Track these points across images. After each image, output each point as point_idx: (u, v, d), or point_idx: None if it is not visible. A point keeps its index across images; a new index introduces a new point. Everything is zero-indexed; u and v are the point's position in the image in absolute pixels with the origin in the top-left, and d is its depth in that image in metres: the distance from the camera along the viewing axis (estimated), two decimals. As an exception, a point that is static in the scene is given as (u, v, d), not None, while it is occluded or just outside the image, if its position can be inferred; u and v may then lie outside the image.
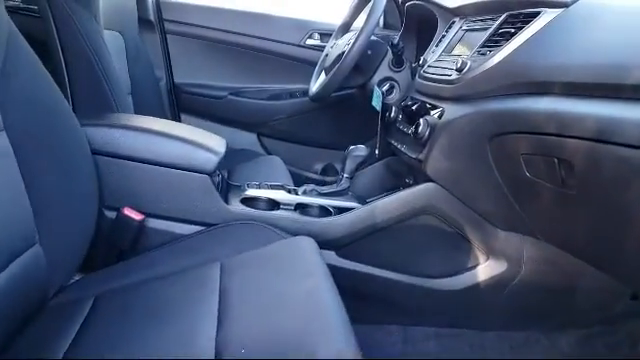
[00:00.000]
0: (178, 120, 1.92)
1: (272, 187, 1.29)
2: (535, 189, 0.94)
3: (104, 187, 1.05)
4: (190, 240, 1.06)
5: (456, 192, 1.12)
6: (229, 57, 1.94)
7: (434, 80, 1.19)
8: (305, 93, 1.87)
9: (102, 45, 1.24)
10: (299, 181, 1.93)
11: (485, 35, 1.09)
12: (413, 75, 1.48)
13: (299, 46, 1.96)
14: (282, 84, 1.98)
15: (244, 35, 1.93)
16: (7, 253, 0.72)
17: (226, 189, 1.24)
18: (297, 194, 1.28)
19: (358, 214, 1.16)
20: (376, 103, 1.43)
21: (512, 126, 0.94)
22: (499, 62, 0.98)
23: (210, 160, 1.09)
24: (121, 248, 1.03)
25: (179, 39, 1.89)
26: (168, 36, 1.85)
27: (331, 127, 2.00)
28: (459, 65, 1.05)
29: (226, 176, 1.64)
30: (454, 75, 1.08)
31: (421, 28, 1.70)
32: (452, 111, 1.07)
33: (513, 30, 1.01)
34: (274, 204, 1.22)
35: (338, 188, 1.30)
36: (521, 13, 1.03)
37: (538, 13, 0.97)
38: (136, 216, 1.03)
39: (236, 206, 1.15)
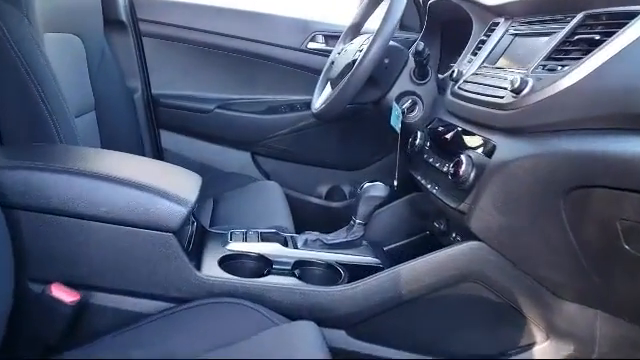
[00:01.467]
0: (157, 138, 1.63)
1: (263, 237, 1.00)
2: (634, 265, 0.66)
3: (26, 253, 0.76)
4: (148, 327, 0.77)
5: (510, 255, 0.83)
6: (217, 63, 1.64)
7: (476, 102, 0.89)
8: (307, 105, 1.57)
9: (38, 54, 0.95)
10: (300, 208, 1.67)
11: (552, 43, 0.79)
12: (441, 90, 1.18)
13: (300, 50, 1.66)
14: (280, 95, 1.69)
15: (235, 37, 1.63)
16: None
17: (201, 243, 0.95)
18: (296, 246, 1.00)
19: (377, 282, 0.86)
20: (395, 123, 1.14)
21: (605, 177, 0.65)
22: (580, 82, 0.69)
23: (175, 213, 0.80)
24: (47, 342, 0.74)
25: (157, 42, 1.59)
26: (144, 39, 1.55)
27: (338, 144, 1.71)
28: (516, 84, 0.76)
29: (210, 209, 1.37)
30: (508, 97, 0.79)
31: (447, 30, 1.41)
32: (508, 148, 0.78)
33: (597, 37, 0.72)
34: (265, 263, 0.93)
35: (349, 237, 1.01)
36: (607, 13, 0.73)
37: (637, 13, 0.68)
38: (68, 297, 0.74)
39: (213, 271, 0.86)
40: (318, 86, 1.39)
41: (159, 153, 1.64)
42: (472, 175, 0.81)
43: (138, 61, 1.56)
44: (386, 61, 1.19)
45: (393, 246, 1.12)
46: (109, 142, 1.35)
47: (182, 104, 1.63)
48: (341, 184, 1.73)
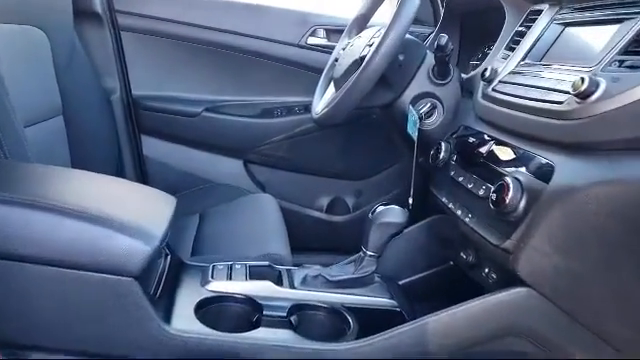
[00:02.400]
0: (138, 145, 1.44)
1: (252, 272, 0.81)
2: None
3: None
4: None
5: (568, 305, 0.65)
6: (205, 61, 1.46)
7: (520, 107, 0.71)
8: (306, 108, 1.40)
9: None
10: (298, 223, 1.49)
11: (627, 32, 0.61)
12: (465, 92, 1.00)
13: (298, 46, 1.48)
14: (276, 96, 1.50)
15: (226, 32, 1.44)
16: None
17: (175, 281, 0.76)
18: (292, 284, 0.81)
19: (399, 338, 0.68)
20: (412, 130, 0.96)
21: None
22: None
23: (136, 253, 0.61)
24: None
25: (137, 37, 1.40)
26: (122, 33, 1.36)
27: (340, 152, 1.52)
28: (582, 86, 0.57)
29: (195, 230, 1.19)
30: (570, 102, 0.60)
31: (467, 23, 1.23)
32: (572, 170, 0.60)
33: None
34: (254, 308, 0.75)
35: (358, 273, 0.83)
36: None
37: None
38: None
39: (187, 324, 0.67)
40: (319, 87, 1.21)
41: (140, 162, 1.45)
42: (522, 204, 0.62)
43: (116, 58, 1.37)
44: (401, 58, 1.00)
45: (410, 280, 0.94)
46: (79, 151, 1.16)
47: (166, 107, 1.44)
48: (344, 195, 1.54)
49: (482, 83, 0.86)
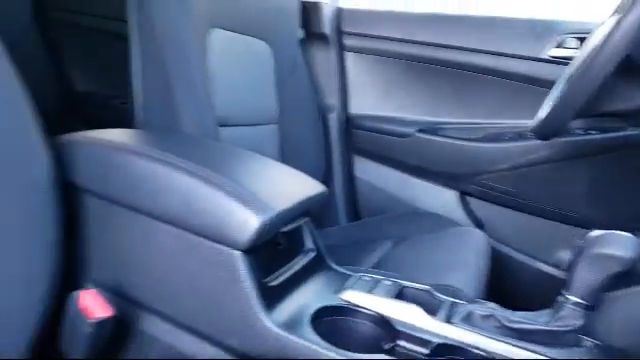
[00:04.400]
0: (349, 164, 1.42)
1: (404, 293, 0.64)
2: None
3: (77, 247, 0.61)
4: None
5: None
6: (425, 80, 1.35)
7: None
8: (542, 133, 1.14)
9: (184, 42, 0.86)
10: (511, 272, 1.20)
11: None
12: None
13: (538, 60, 1.24)
14: (504, 118, 1.28)
15: (451, 48, 1.32)
16: None
17: (303, 278, 0.65)
18: (449, 319, 0.60)
19: None
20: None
21: None
22: None
23: (247, 223, 0.53)
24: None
25: (357, 57, 1.40)
26: (345, 53, 1.39)
27: (589, 190, 1.19)
28: None
29: (380, 253, 1.06)
30: None
31: None
32: None
33: None
34: (387, 332, 0.57)
35: (554, 325, 0.56)
36: None
37: None
38: (99, 312, 0.54)
39: (294, 327, 0.55)
40: (551, 92, 0.96)
41: (350, 181, 1.43)
42: None
43: (337, 78, 1.40)
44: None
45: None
46: (289, 160, 1.20)
47: (378, 126, 1.38)
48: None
49: None
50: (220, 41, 1.01)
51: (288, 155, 1.21)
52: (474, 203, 1.33)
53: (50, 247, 0.57)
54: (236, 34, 1.06)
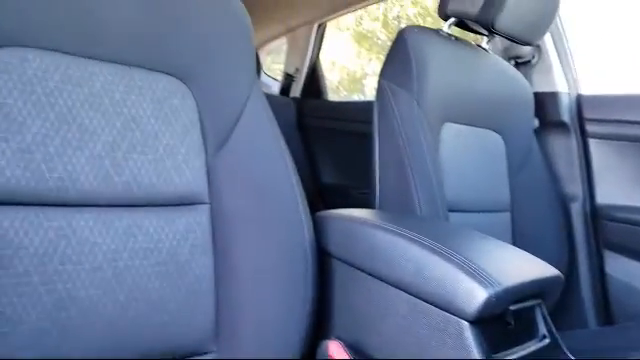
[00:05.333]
0: (600, 259, 1.26)
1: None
2: None
3: (328, 303, 0.72)
4: None
5: None
6: None
7: None
8: None
9: (420, 136, 0.96)
10: None
11: None
12: None
13: None
14: None
15: None
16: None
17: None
18: None
19: None
20: None
21: None
22: None
23: (475, 293, 0.56)
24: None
25: (601, 143, 1.30)
26: (589, 140, 1.30)
27: None
28: None
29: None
30: None
31: None
32: None
33: None
34: None
35: None
36: None
37: None
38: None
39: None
40: None
41: (601, 278, 1.27)
42: None
43: (580, 166, 1.32)
44: None
45: None
46: (523, 249, 1.16)
47: (634, 218, 1.22)
48: None
49: None
50: (451, 134, 1.09)
51: (522, 245, 1.16)
52: None
53: (307, 302, 0.69)
54: (467, 126, 1.13)
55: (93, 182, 0.61)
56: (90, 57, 0.62)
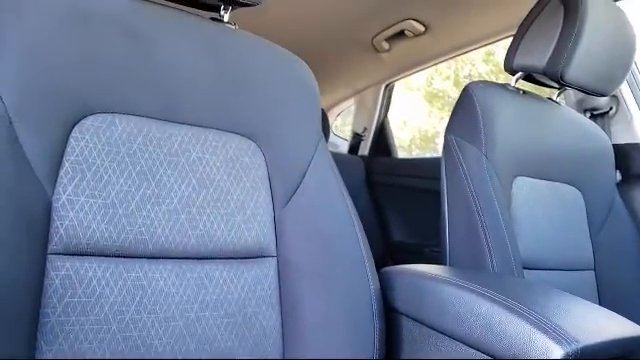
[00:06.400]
0: None
1: None
2: None
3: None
4: None
5: None
6: None
7: None
8: None
9: (490, 190, 0.93)
10: None
11: None
12: None
13: None
14: None
15: None
16: None
17: None
18: None
19: None
20: None
21: None
22: None
23: (549, 354, 0.52)
24: None
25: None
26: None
27: None
28: None
29: None
30: None
31: None
32: None
33: None
34: None
35: None
36: None
37: None
38: None
39: None
40: None
41: None
42: None
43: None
44: None
45: None
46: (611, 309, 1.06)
47: None
48: None
49: None
50: (524, 188, 1.05)
51: (609, 305, 1.07)
52: None
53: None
54: (541, 180, 1.09)
55: (169, 235, 0.65)
56: (169, 120, 0.68)
